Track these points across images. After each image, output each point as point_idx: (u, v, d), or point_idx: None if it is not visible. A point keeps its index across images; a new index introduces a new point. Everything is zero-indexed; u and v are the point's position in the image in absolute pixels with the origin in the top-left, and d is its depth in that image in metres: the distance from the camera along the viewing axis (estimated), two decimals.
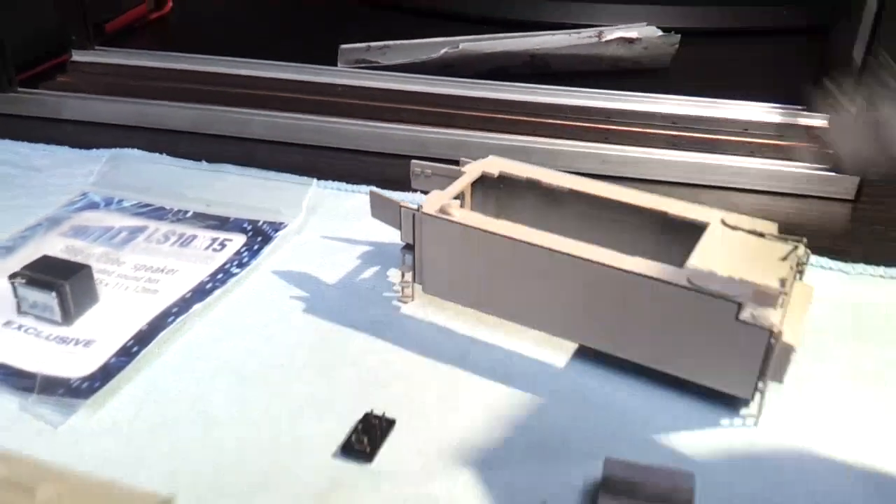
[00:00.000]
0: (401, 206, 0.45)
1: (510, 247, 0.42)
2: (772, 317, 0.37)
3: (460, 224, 0.43)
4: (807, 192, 0.61)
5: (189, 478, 0.36)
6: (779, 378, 0.38)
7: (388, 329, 0.46)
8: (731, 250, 0.41)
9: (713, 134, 0.66)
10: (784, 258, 0.40)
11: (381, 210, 0.47)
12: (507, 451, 0.38)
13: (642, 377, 0.42)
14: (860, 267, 0.51)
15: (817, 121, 0.67)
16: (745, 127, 0.68)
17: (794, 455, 0.38)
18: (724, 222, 0.43)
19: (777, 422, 0.40)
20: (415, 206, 0.45)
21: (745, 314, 0.37)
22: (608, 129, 0.67)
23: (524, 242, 0.42)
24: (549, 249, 0.41)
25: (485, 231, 0.42)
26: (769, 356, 0.37)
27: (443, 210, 0.44)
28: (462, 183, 0.47)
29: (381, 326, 0.46)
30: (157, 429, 0.39)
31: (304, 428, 0.39)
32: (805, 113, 0.68)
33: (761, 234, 0.42)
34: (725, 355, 0.38)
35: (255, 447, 0.38)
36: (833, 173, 0.60)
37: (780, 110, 0.69)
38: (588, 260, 0.40)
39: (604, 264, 0.40)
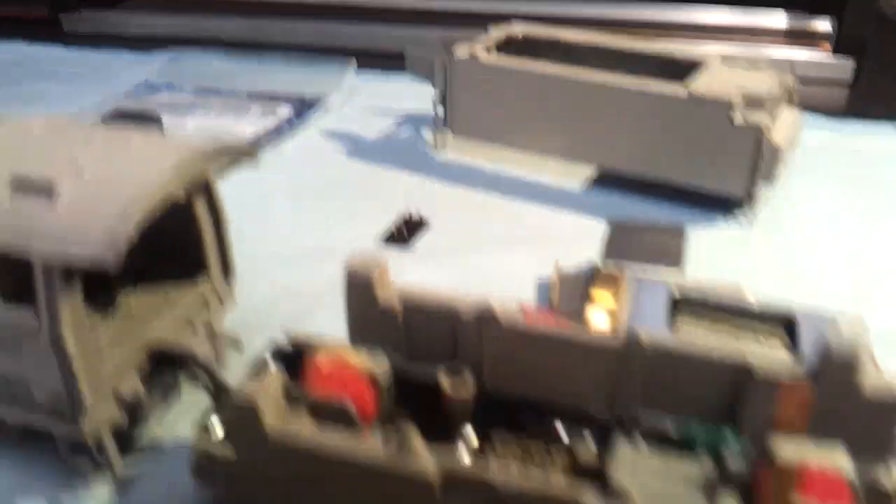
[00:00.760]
0: (435, 56, 0.51)
1: (533, 80, 0.47)
2: (762, 119, 0.42)
3: (488, 64, 0.49)
4: (808, 76, 0.65)
5: (249, 252, 0.42)
6: (769, 178, 0.43)
7: (423, 167, 0.51)
8: (727, 76, 0.46)
9: (724, 36, 0.71)
10: (773, 80, 0.45)
11: (417, 64, 0.52)
12: (524, 237, 0.44)
13: (649, 195, 0.47)
14: (853, 125, 0.56)
15: (819, 22, 0.72)
16: (753, 31, 0.73)
17: (780, 245, 0.43)
18: (722, 61, 0.48)
19: (768, 224, 0.45)
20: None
21: (738, 117, 0.42)
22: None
23: (546, 75, 0.47)
24: (568, 79, 0.46)
25: (509, 69, 0.48)
26: (760, 156, 0.42)
27: (472, 55, 0.49)
28: (489, 40, 0.53)
29: (418, 166, 0.52)
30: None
31: (352, 225, 0.45)
32: (807, 16, 0.73)
33: (754, 66, 0.47)
34: (722, 158, 0.43)
35: (311, 235, 0.44)
36: (833, 59, 0.65)
37: (785, 16, 0.74)
38: (602, 84, 0.46)
39: (615, 86, 0.45)
